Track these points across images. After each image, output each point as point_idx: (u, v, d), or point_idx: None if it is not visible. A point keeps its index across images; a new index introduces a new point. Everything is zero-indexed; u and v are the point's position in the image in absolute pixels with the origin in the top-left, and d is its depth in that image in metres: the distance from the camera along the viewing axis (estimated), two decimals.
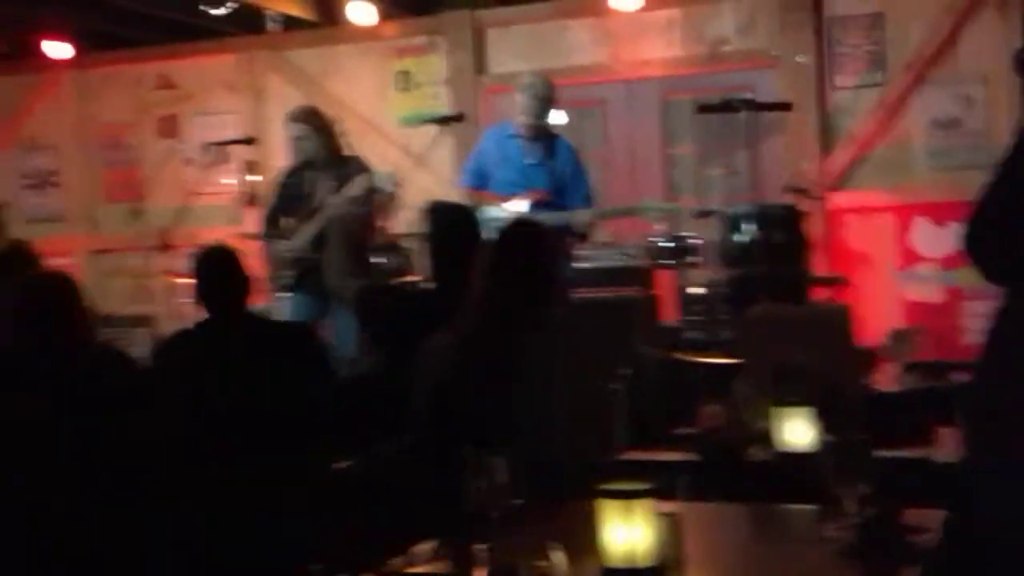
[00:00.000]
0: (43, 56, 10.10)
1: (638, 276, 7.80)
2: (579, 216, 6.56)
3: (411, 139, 6.60)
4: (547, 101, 6.81)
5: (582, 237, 6.73)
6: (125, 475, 3.84)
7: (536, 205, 6.66)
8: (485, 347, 3.64)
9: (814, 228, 7.58)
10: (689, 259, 7.75)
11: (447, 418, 3.60)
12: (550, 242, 3.89)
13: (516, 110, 6.88)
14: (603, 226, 8.16)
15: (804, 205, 7.22)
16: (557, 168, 6.79)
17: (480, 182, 6.95)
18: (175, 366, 4.42)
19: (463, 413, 3.56)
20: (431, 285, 4.80)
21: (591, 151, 9.26)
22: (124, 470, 3.85)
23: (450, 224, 4.58)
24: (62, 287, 4.25)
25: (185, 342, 4.59)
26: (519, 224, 4.20)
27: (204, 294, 4.47)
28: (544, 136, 6.86)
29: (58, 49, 9.99)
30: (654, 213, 6.78)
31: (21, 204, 10.40)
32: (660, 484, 3.70)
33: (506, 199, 6.76)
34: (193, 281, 4.50)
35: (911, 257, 8.42)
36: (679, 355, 6.21)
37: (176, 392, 4.30)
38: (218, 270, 4.48)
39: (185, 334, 4.71)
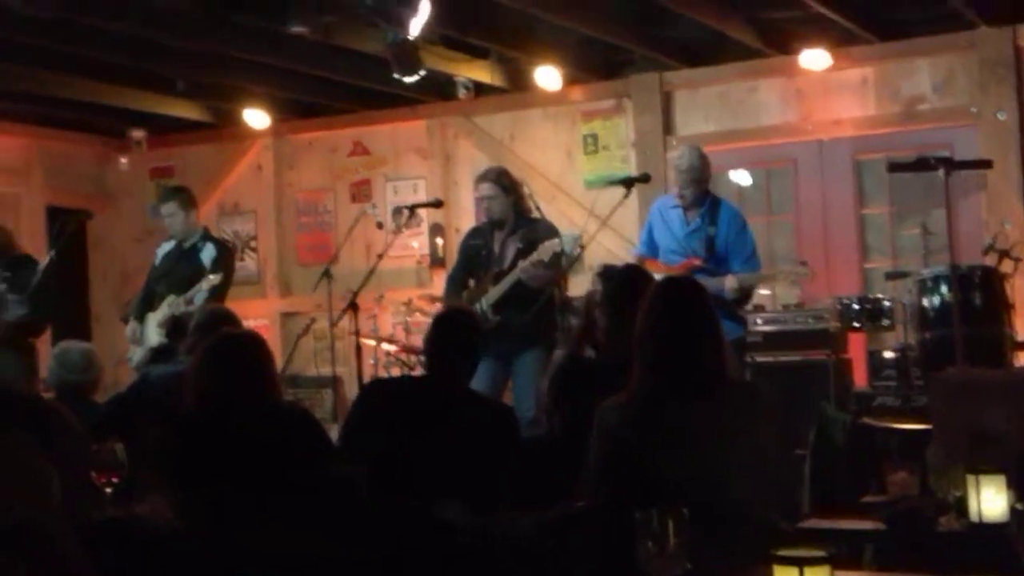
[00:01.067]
0: (244, 125, 10.48)
1: (828, 339, 7.63)
2: (727, 283, 6.47)
3: (597, 201, 6.57)
4: (694, 170, 6.77)
5: (736, 302, 6.62)
6: (307, 524, 3.87)
7: (693, 271, 6.58)
8: (657, 408, 3.58)
9: (1016, 290, 7.28)
10: (882, 322, 7.56)
11: (620, 480, 3.53)
12: (696, 301, 3.78)
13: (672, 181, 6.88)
14: (804, 288, 8.00)
15: (1005, 266, 6.96)
16: (718, 234, 6.72)
17: (650, 251, 6.95)
18: (379, 408, 4.53)
19: (636, 475, 3.50)
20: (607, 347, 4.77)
21: (782, 212, 9.12)
22: (306, 521, 3.88)
23: (622, 286, 4.56)
24: (249, 347, 4.33)
25: (397, 389, 4.76)
26: (670, 283, 4.13)
27: (432, 353, 4.60)
28: (704, 203, 6.81)
29: (258, 118, 10.35)
30: (790, 278, 6.65)
31: None
32: (846, 553, 3.59)
33: (667, 267, 6.71)
34: (427, 338, 4.69)
35: None
36: (869, 420, 6.02)
37: (372, 435, 4.40)
38: (453, 335, 4.60)
39: (400, 381, 4.84)
